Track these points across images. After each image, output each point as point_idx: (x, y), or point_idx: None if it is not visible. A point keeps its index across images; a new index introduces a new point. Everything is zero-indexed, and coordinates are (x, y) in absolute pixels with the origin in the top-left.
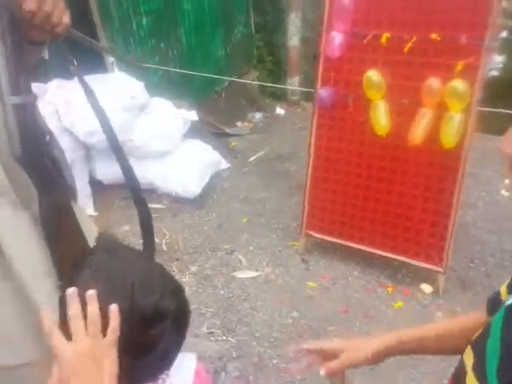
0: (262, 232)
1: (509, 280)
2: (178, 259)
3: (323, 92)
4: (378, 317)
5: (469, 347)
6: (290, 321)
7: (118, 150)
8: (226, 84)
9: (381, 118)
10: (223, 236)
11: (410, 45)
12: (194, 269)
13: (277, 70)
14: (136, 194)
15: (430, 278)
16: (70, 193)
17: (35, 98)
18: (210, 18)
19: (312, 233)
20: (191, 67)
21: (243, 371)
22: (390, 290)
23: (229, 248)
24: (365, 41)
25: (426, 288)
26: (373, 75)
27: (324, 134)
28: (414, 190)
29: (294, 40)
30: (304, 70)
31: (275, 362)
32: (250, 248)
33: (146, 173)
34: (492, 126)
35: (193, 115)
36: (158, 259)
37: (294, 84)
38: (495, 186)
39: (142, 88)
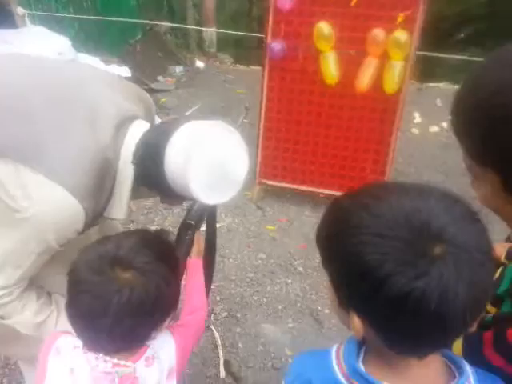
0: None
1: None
2: (132, 221)
3: (275, 45)
4: None
5: None
6: (260, 262)
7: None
8: (140, 35)
9: (331, 68)
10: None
11: None
12: (153, 228)
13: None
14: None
15: None
16: None
17: None
18: None
19: (266, 181)
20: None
21: (230, 311)
22: None
23: (184, 204)
24: None
25: None
26: (323, 27)
27: (275, 85)
28: (358, 133)
29: None
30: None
31: (256, 298)
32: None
33: None
34: None
35: (125, 71)
36: None
37: (210, 35)
38: (407, 126)
39: (67, 43)
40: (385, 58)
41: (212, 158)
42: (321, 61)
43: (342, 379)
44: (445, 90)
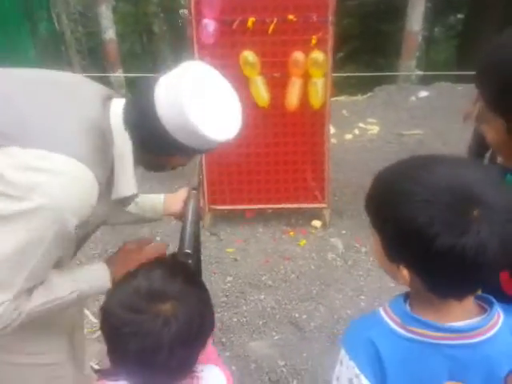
0: (163, 221)
1: None
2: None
3: None
4: (293, 256)
5: None
6: (229, 284)
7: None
8: None
9: (261, 91)
10: (123, 236)
11: (272, 26)
12: None
13: (93, 63)
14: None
15: (315, 215)
16: None
17: None
18: (14, 15)
19: (215, 206)
20: None
21: (214, 337)
22: (291, 233)
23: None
24: (234, 26)
25: (317, 223)
26: (248, 55)
27: None
28: (295, 147)
29: (109, 33)
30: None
31: (235, 320)
32: (158, 238)
33: None
34: None
35: None
36: None
37: (118, 77)
38: None
39: None
40: (307, 77)
41: (205, 90)
42: (250, 86)
43: (399, 328)
44: (347, 102)
